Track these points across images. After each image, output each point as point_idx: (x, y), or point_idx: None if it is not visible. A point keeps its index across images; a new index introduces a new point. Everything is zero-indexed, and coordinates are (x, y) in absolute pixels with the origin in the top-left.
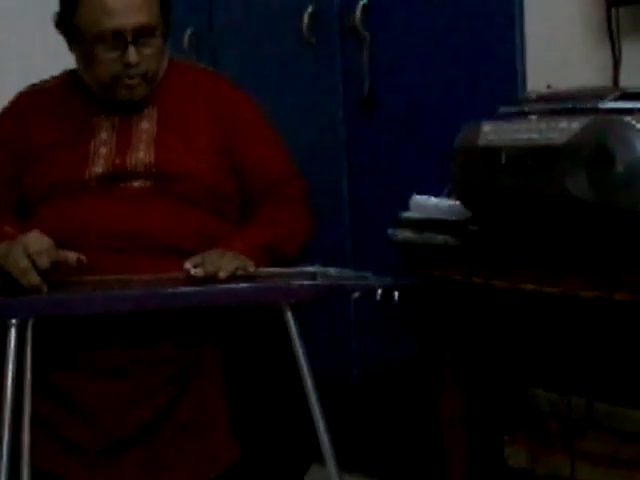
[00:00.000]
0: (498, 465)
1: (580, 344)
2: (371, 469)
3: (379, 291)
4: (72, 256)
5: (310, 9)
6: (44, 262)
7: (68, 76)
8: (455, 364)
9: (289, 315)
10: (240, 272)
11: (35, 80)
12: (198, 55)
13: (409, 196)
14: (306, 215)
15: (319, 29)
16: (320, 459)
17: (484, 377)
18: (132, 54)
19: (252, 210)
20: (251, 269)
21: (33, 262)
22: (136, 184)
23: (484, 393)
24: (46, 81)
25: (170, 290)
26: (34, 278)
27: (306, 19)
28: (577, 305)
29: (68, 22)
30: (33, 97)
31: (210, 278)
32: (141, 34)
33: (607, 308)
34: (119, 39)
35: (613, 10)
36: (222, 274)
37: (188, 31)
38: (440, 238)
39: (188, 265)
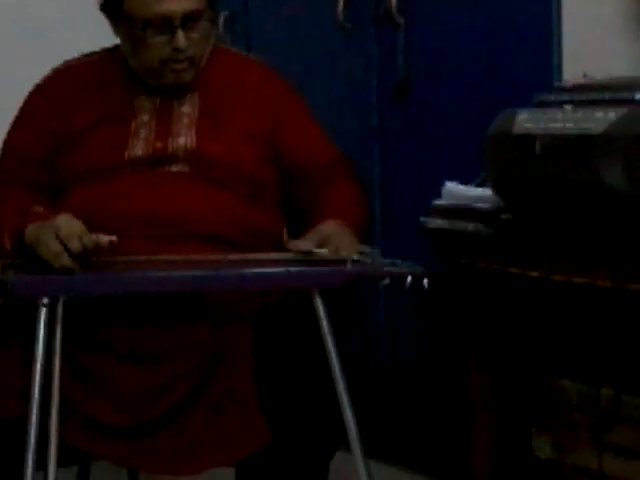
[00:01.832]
0: (525, 456)
1: (609, 335)
2: (397, 457)
3: (409, 279)
4: (104, 238)
5: None
6: (76, 246)
7: (109, 54)
8: (484, 353)
9: (318, 300)
10: (359, 256)
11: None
12: (233, 39)
13: (442, 184)
14: (364, 192)
15: (354, 15)
16: (347, 445)
17: (512, 367)
18: (181, 39)
19: (304, 197)
20: (367, 250)
21: (65, 245)
22: (175, 169)
23: (512, 384)
24: (84, 57)
25: (200, 273)
26: (66, 261)
27: (341, 4)
28: (607, 296)
29: (116, 6)
30: (71, 74)
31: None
32: (189, 18)
33: (637, 299)
34: (167, 24)
35: None
36: (345, 253)
37: (223, 15)
38: (472, 226)
39: (308, 244)
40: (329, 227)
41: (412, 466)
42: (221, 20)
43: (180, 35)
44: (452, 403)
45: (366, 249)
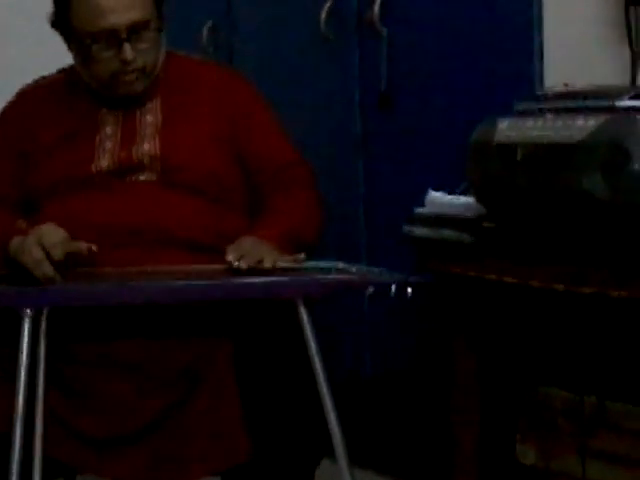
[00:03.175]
0: (510, 462)
1: (593, 342)
2: (382, 465)
3: (393, 287)
4: (83, 245)
5: (328, 4)
6: (58, 254)
7: (69, 72)
8: (468, 361)
9: (302, 309)
10: (279, 264)
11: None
12: (216, 49)
13: (425, 193)
14: (317, 201)
15: (337, 25)
16: (331, 454)
17: (497, 375)
18: (128, 51)
19: (260, 198)
20: (290, 261)
21: (47, 254)
22: (142, 177)
23: (496, 391)
24: (47, 77)
25: (184, 284)
26: (48, 269)
27: (324, 15)
28: (591, 303)
29: (63, 22)
30: (36, 94)
31: (254, 269)
32: (135, 30)
33: (620, 306)
34: (114, 37)
35: (631, 9)
36: (267, 264)
37: (206, 25)
38: (455, 235)
39: (230, 257)
40: (247, 241)
41: (397, 474)
42: (204, 30)
43: (127, 48)
44: (437, 411)
45: (297, 258)
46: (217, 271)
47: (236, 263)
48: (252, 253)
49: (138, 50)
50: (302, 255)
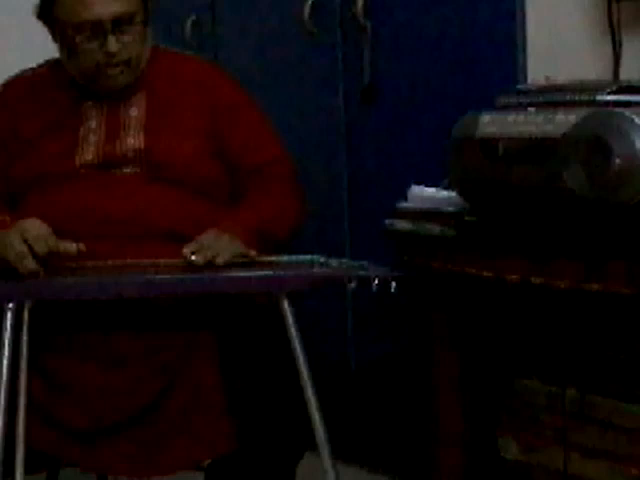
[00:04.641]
0: (491, 456)
1: (575, 336)
2: (365, 459)
3: (375, 281)
4: (71, 246)
5: None
6: (42, 248)
7: (54, 64)
8: (450, 355)
9: (285, 304)
10: (237, 259)
11: (17, 70)
12: (199, 44)
13: (408, 187)
14: (295, 197)
15: (320, 19)
16: (314, 447)
17: (479, 368)
18: (112, 43)
19: (240, 193)
20: (252, 253)
21: (30, 248)
22: (126, 170)
23: (478, 384)
24: (32, 69)
25: (166, 277)
26: (30, 263)
27: (307, 8)
28: (572, 297)
29: (48, 14)
30: (20, 86)
31: (209, 264)
32: (120, 22)
33: (602, 300)
34: (98, 29)
35: (614, 4)
36: (219, 260)
37: (190, 20)
38: (437, 229)
39: (186, 251)
40: (207, 236)
41: (380, 468)
42: (188, 25)
43: (111, 40)
44: (419, 405)
45: (251, 253)
46: (171, 265)
47: (192, 257)
48: (210, 247)
49: (123, 43)
50: (253, 252)
